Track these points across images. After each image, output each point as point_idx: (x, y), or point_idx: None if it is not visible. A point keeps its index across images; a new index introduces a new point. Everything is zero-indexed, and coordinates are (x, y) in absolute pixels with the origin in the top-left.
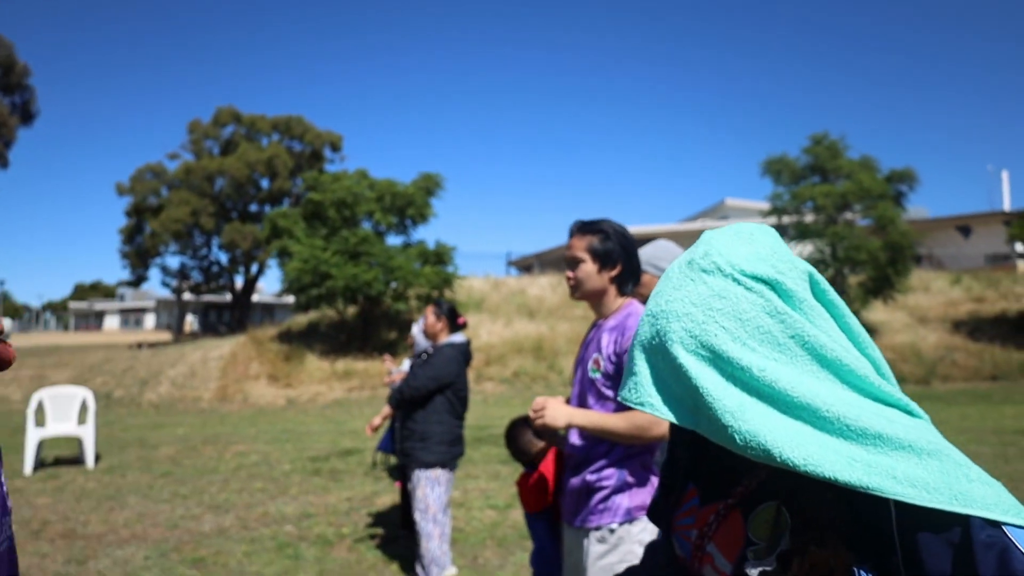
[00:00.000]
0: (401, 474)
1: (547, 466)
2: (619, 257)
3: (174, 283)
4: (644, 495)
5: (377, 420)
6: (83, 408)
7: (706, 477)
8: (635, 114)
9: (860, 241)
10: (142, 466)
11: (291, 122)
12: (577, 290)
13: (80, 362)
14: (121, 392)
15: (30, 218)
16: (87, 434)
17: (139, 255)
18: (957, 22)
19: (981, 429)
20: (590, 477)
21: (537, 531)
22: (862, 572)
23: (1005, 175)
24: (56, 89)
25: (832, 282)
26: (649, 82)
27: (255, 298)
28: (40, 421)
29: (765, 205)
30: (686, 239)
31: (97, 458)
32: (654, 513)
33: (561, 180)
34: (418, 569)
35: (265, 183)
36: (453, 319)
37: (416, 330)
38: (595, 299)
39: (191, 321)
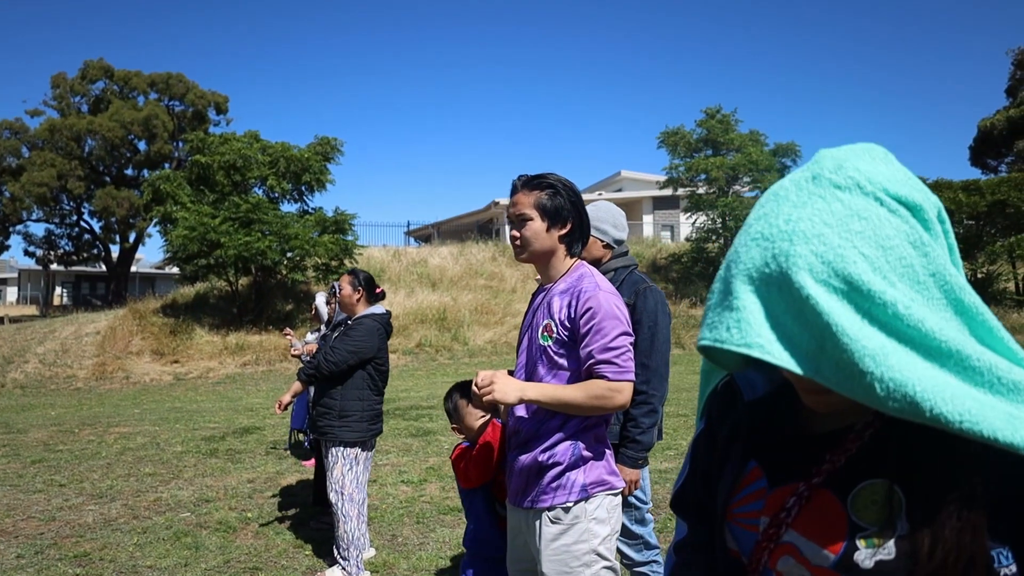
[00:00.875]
0: (311, 452)
1: (491, 435)
2: (569, 215)
3: (39, 253)
4: (599, 470)
5: (287, 397)
6: None
7: (774, 453)
8: (534, 85)
9: (749, 212)
10: (8, 453)
11: (171, 80)
12: (524, 250)
13: None
14: None
15: None
16: None
17: None
18: (819, 4)
19: None
20: (542, 455)
21: (475, 508)
22: (1002, 554)
23: None
24: None
25: (722, 251)
26: (548, 54)
27: (134, 269)
28: None
29: (659, 177)
30: None
31: None
32: (681, 503)
33: (457, 151)
34: (335, 553)
35: (142, 145)
36: (371, 289)
37: (320, 301)
38: (543, 261)
39: (60, 294)
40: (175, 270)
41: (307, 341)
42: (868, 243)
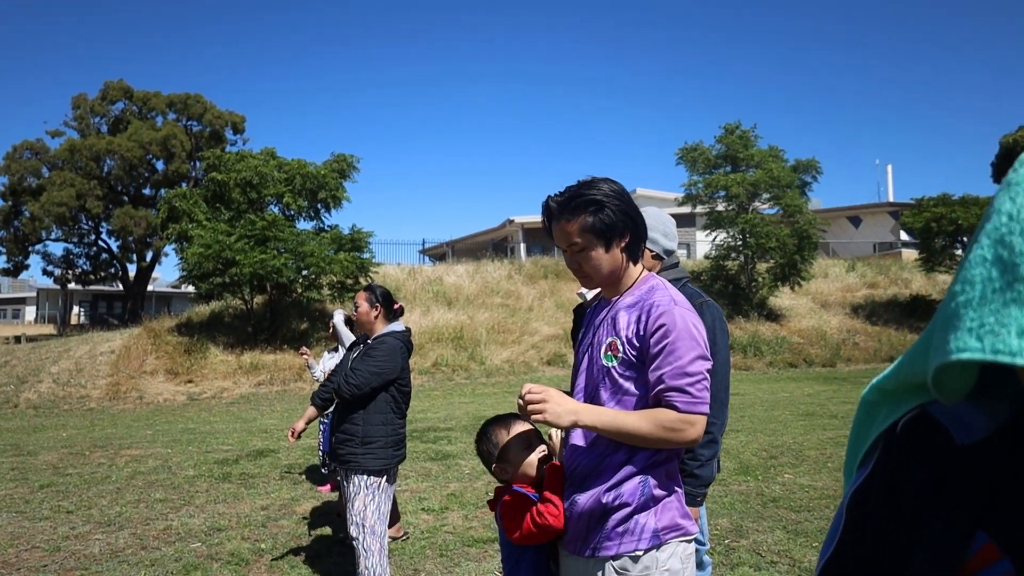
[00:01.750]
0: (327, 476)
1: (552, 485)
2: (623, 224)
3: (57, 272)
4: (672, 512)
5: (300, 424)
6: None
7: (1020, 526)
8: (550, 102)
9: (770, 229)
10: (17, 477)
11: (188, 100)
12: (592, 281)
13: None
14: None
15: None
16: None
17: (17, 241)
18: (846, 24)
19: None
20: (606, 495)
21: (522, 568)
22: None
23: (889, 169)
24: None
25: (742, 269)
26: (565, 71)
27: (150, 288)
28: None
29: (675, 195)
30: None
31: None
32: None
33: (472, 168)
34: None
35: (160, 165)
36: (389, 305)
37: (338, 319)
38: (613, 279)
39: (78, 313)
40: (191, 289)
41: (325, 362)
42: None
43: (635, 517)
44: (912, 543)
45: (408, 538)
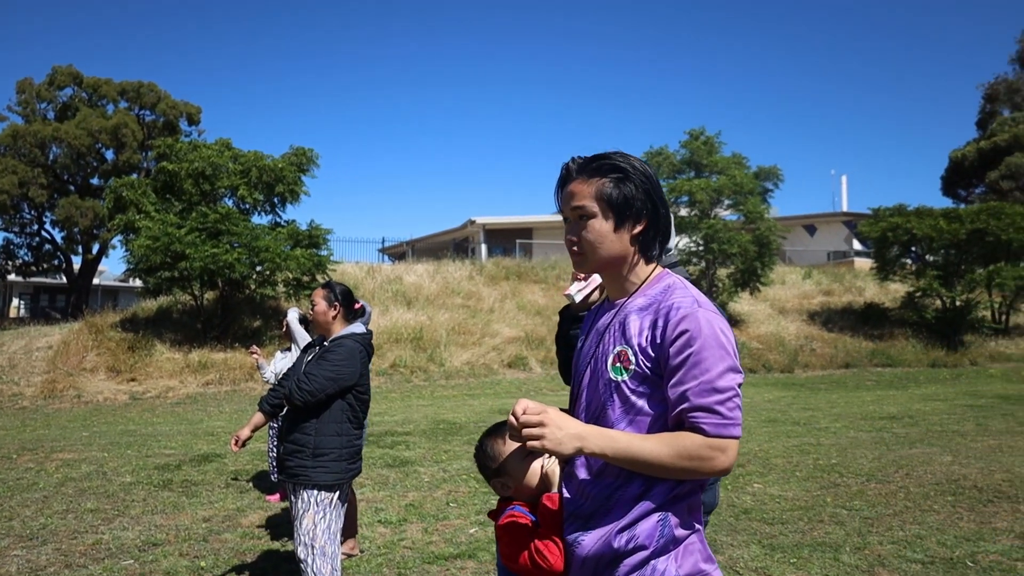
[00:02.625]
0: (277, 485)
1: (549, 524)
2: (644, 207)
3: None
4: (695, 556)
5: (245, 432)
6: None
7: None
8: (512, 102)
9: (732, 235)
10: None
11: (142, 89)
12: (585, 260)
13: None
14: None
15: None
16: None
17: None
18: (804, 35)
19: (851, 415)
20: (617, 537)
21: None
22: None
23: (844, 179)
24: None
25: (703, 274)
26: (528, 72)
27: (96, 281)
28: None
29: None
30: (561, 230)
31: None
32: None
33: (433, 168)
34: None
35: (110, 155)
36: (349, 305)
37: (292, 317)
38: (612, 269)
39: (17, 306)
40: (139, 283)
41: (276, 363)
42: None
43: (652, 563)
44: None
45: (363, 555)
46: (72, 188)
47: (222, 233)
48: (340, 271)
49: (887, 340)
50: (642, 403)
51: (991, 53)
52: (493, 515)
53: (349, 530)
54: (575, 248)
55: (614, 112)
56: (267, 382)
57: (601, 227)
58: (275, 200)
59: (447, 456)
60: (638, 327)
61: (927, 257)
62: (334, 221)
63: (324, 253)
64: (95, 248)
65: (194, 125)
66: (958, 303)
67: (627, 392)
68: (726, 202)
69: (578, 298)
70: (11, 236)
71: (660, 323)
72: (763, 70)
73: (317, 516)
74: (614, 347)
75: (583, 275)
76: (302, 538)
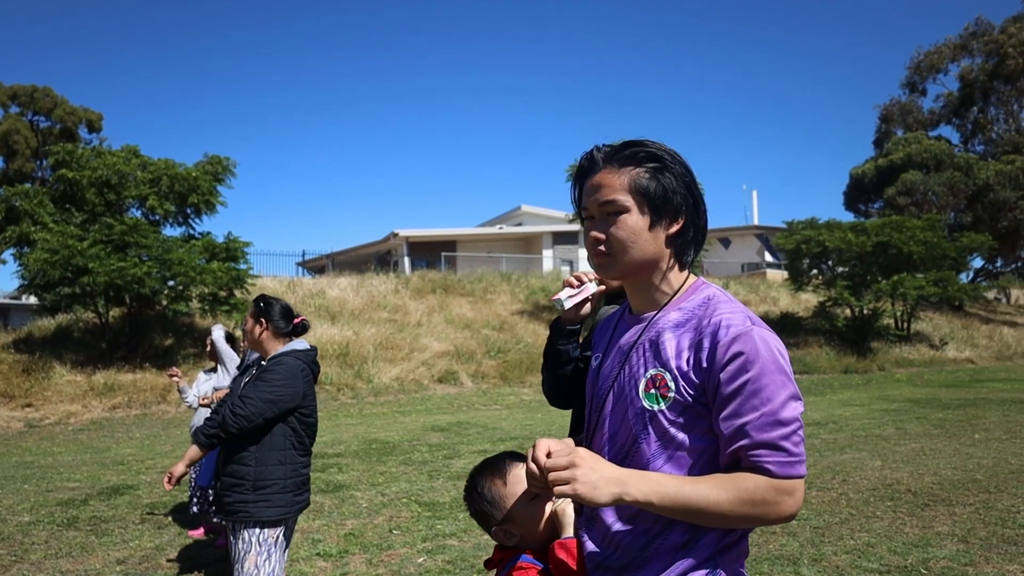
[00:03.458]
0: (199, 517)
1: (564, 556)
2: (684, 203)
3: None
4: None
5: (180, 468)
6: None
7: None
8: (435, 118)
9: None
10: None
11: (36, 93)
12: (613, 262)
13: None
14: None
15: None
16: None
17: None
18: (712, 55)
19: None
20: None
21: None
22: None
23: (755, 194)
24: None
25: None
26: (450, 81)
27: None
28: None
29: (558, 212)
30: (486, 243)
31: None
32: None
33: (355, 179)
34: None
35: None
36: (287, 320)
37: (217, 335)
38: (641, 275)
39: None
40: (33, 300)
41: (215, 388)
42: None
43: None
44: None
45: None
46: None
47: (129, 246)
48: (259, 286)
49: (802, 348)
50: (683, 436)
51: (886, 77)
52: (492, 565)
53: None
54: (601, 248)
55: (533, 127)
56: (189, 407)
57: (636, 223)
58: (188, 211)
59: (384, 478)
60: (675, 347)
61: (837, 268)
62: (252, 233)
63: (243, 267)
64: None
65: (95, 132)
66: (866, 312)
67: (665, 424)
68: None
69: (567, 304)
70: None
71: (706, 343)
72: (679, 87)
73: (260, 558)
74: (646, 370)
75: (577, 282)
76: None
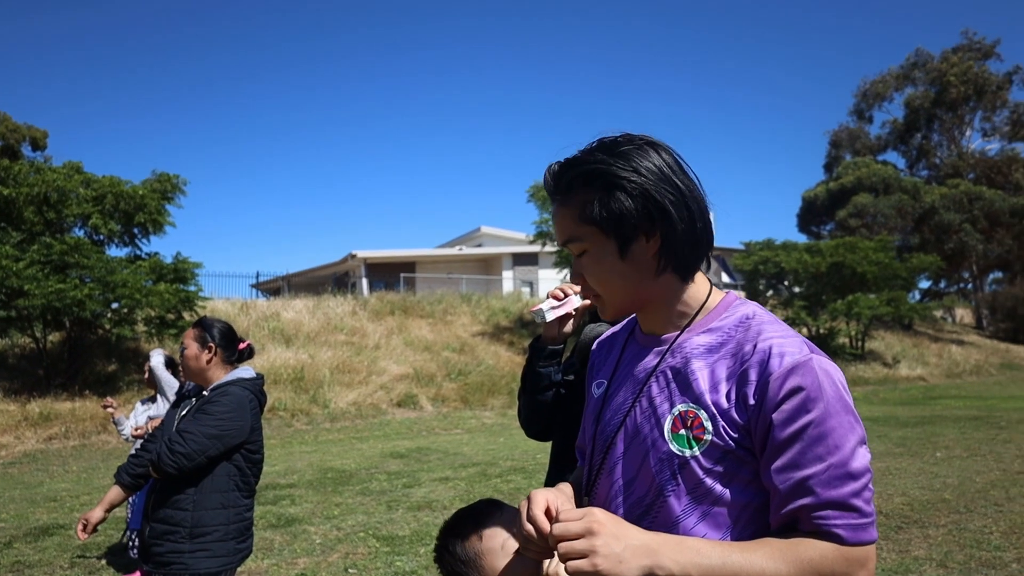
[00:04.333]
0: (136, 562)
1: None
2: (650, 212)
3: None
4: None
5: (97, 513)
6: None
7: None
8: (392, 137)
9: None
10: None
11: None
12: (605, 306)
13: None
14: None
15: None
16: None
17: None
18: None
19: None
20: None
21: None
22: None
23: (712, 216)
24: None
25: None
26: (410, 106)
27: None
28: None
29: (518, 234)
30: (445, 264)
31: None
32: None
33: (312, 199)
34: None
35: None
36: (232, 345)
37: (156, 361)
38: (649, 307)
39: None
40: None
41: (151, 416)
42: None
43: None
44: None
45: None
46: None
47: (70, 266)
48: (210, 308)
49: None
50: (721, 489)
51: (834, 104)
52: None
53: None
54: (589, 295)
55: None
56: (126, 440)
57: (603, 259)
58: (135, 231)
59: (339, 511)
60: (710, 378)
61: (793, 288)
62: (203, 254)
63: (192, 288)
64: None
65: (40, 150)
66: (822, 331)
67: (699, 473)
68: None
69: (549, 317)
70: None
71: (753, 375)
72: (636, 109)
73: None
74: (672, 405)
75: (561, 294)
76: None
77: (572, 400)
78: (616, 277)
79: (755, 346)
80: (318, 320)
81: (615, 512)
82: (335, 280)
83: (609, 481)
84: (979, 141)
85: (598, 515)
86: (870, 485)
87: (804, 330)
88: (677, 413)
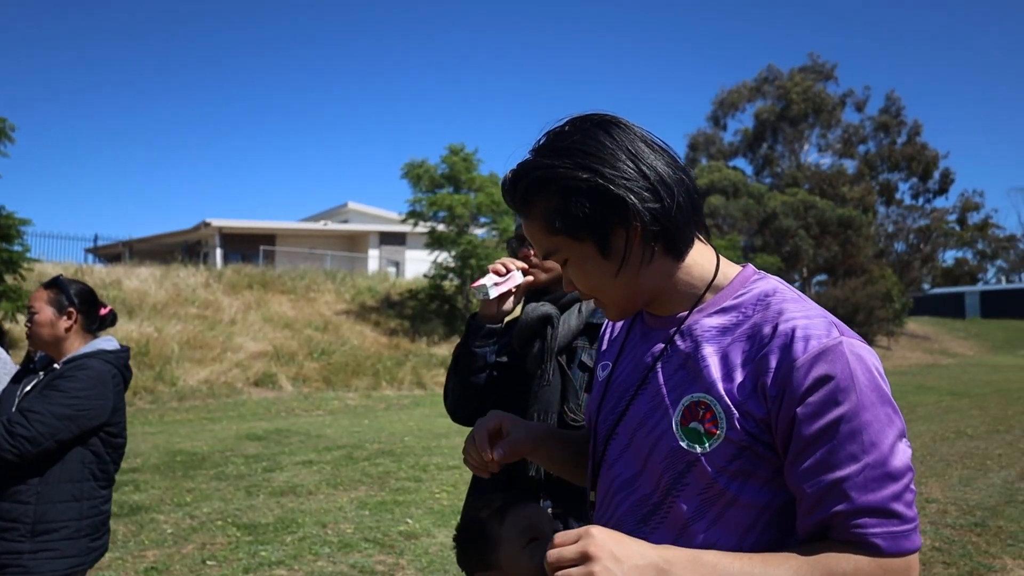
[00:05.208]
0: None
1: None
2: (611, 211)
3: None
4: None
5: None
6: None
7: None
8: (255, 104)
9: (490, 251)
10: None
11: None
12: (610, 309)
13: None
14: None
15: None
16: None
17: None
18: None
19: None
20: None
21: None
22: None
23: None
24: None
25: (459, 290)
26: (280, 75)
27: None
28: None
29: (386, 212)
30: (308, 239)
31: None
32: None
33: (162, 160)
34: None
35: None
36: (92, 310)
37: None
38: (653, 297)
39: None
40: None
41: None
42: None
43: None
44: None
45: None
46: None
47: None
48: (38, 271)
49: None
50: (736, 490)
51: (695, 108)
52: None
53: None
54: (595, 302)
55: (371, 116)
56: None
57: (585, 265)
58: None
59: (192, 497)
60: (722, 364)
61: None
62: (33, 212)
63: (17, 248)
64: None
65: None
66: None
67: (711, 472)
68: (482, 220)
69: (493, 293)
70: None
71: (773, 361)
72: (501, 96)
73: None
74: (681, 394)
75: (503, 269)
76: None
77: (505, 384)
78: (605, 277)
79: (776, 328)
80: (166, 291)
81: (615, 511)
82: (185, 249)
83: (609, 476)
84: (815, 155)
85: (596, 536)
86: (912, 486)
87: None
88: (687, 404)
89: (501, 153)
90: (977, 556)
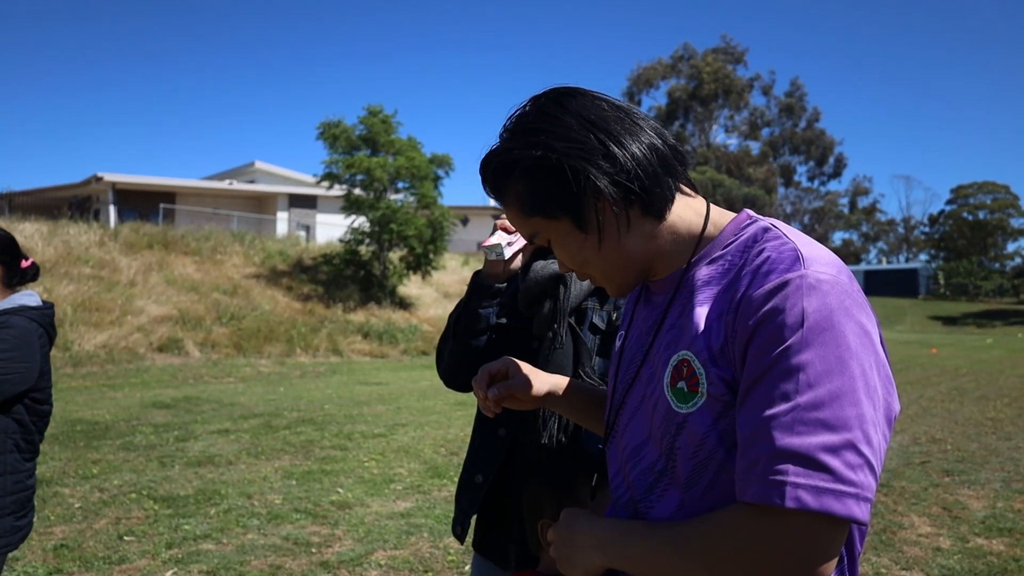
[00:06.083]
0: None
1: None
2: (580, 174)
3: None
4: None
5: None
6: None
7: None
8: (159, 50)
9: (409, 217)
10: None
11: None
12: (606, 285)
13: None
14: None
15: None
16: None
17: None
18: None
19: None
20: None
21: None
22: None
23: None
24: None
25: (375, 256)
26: (181, 21)
27: None
28: None
29: (297, 174)
30: (212, 198)
31: None
32: None
33: (50, 106)
34: None
35: None
36: (13, 261)
37: None
38: (651, 263)
39: None
40: None
41: None
42: None
43: None
44: None
45: None
46: None
47: None
48: None
49: None
50: (725, 453)
51: (609, 82)
52: None
53: None
54: (595, 280)
55: (279, 72)
56: None
57: (567, 242)
58: None
59: (99, 469)
60: (705, 316)
61: None
62: None
63: None
64: None
65: None
66: None
67: (699, 433)
68: (400, 184)
69: (507, 253)
70: None
71: (737, 302)
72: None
73: None
74: (671, 355)
75: (512, 226)
76: None
77: (504, 347)
78: (590, 251)
79: (749, 268)
80: (55, 249)
81: (627, 480)
82: (74, 204)
83: (620, 445)
84: (723, 136)
85: (561, 523)
86: (863, 449)
87: None
88: (675, 363)
89: (421, 116)
90: (888, 515)
